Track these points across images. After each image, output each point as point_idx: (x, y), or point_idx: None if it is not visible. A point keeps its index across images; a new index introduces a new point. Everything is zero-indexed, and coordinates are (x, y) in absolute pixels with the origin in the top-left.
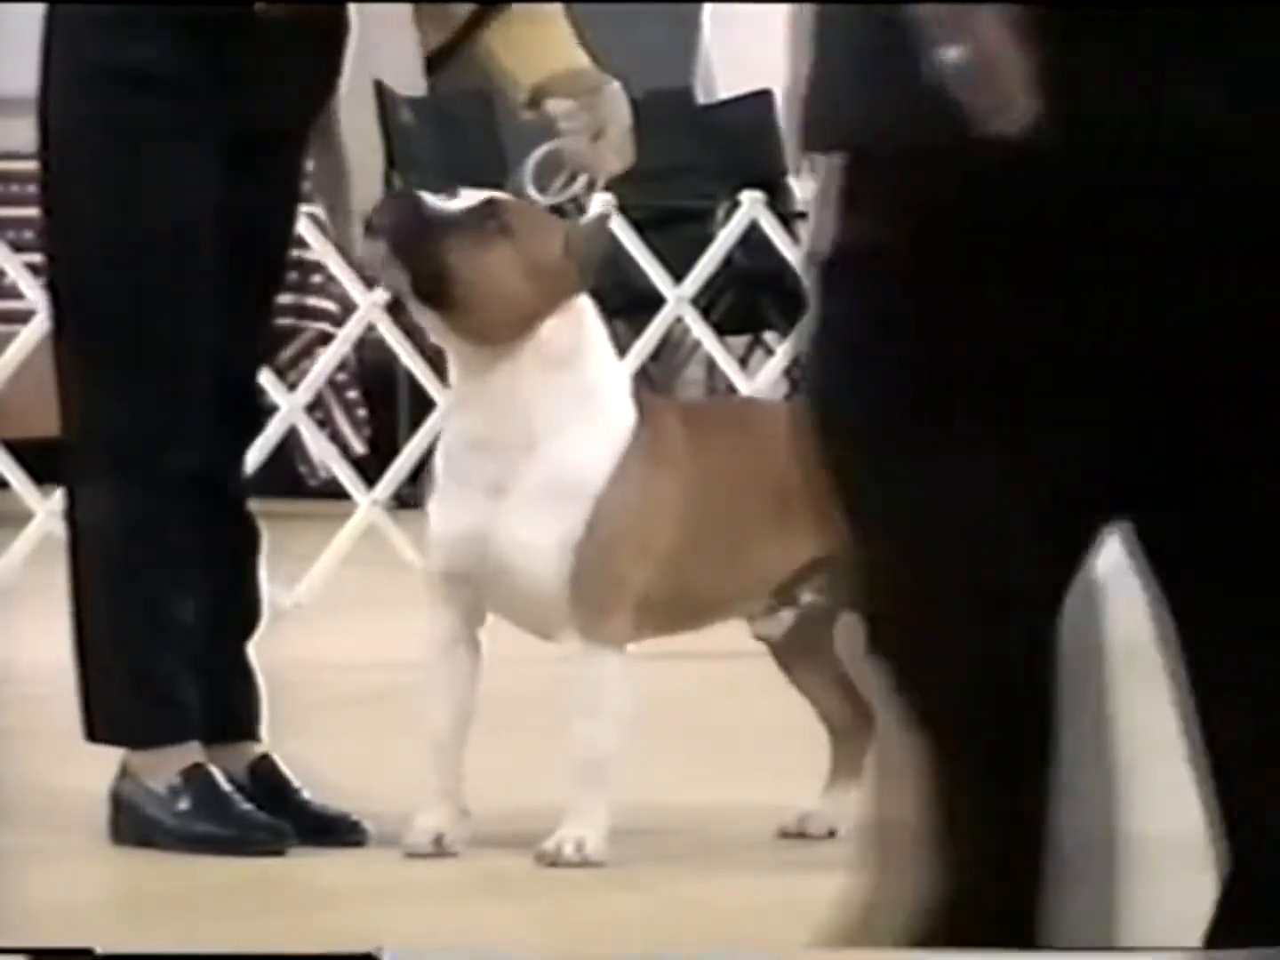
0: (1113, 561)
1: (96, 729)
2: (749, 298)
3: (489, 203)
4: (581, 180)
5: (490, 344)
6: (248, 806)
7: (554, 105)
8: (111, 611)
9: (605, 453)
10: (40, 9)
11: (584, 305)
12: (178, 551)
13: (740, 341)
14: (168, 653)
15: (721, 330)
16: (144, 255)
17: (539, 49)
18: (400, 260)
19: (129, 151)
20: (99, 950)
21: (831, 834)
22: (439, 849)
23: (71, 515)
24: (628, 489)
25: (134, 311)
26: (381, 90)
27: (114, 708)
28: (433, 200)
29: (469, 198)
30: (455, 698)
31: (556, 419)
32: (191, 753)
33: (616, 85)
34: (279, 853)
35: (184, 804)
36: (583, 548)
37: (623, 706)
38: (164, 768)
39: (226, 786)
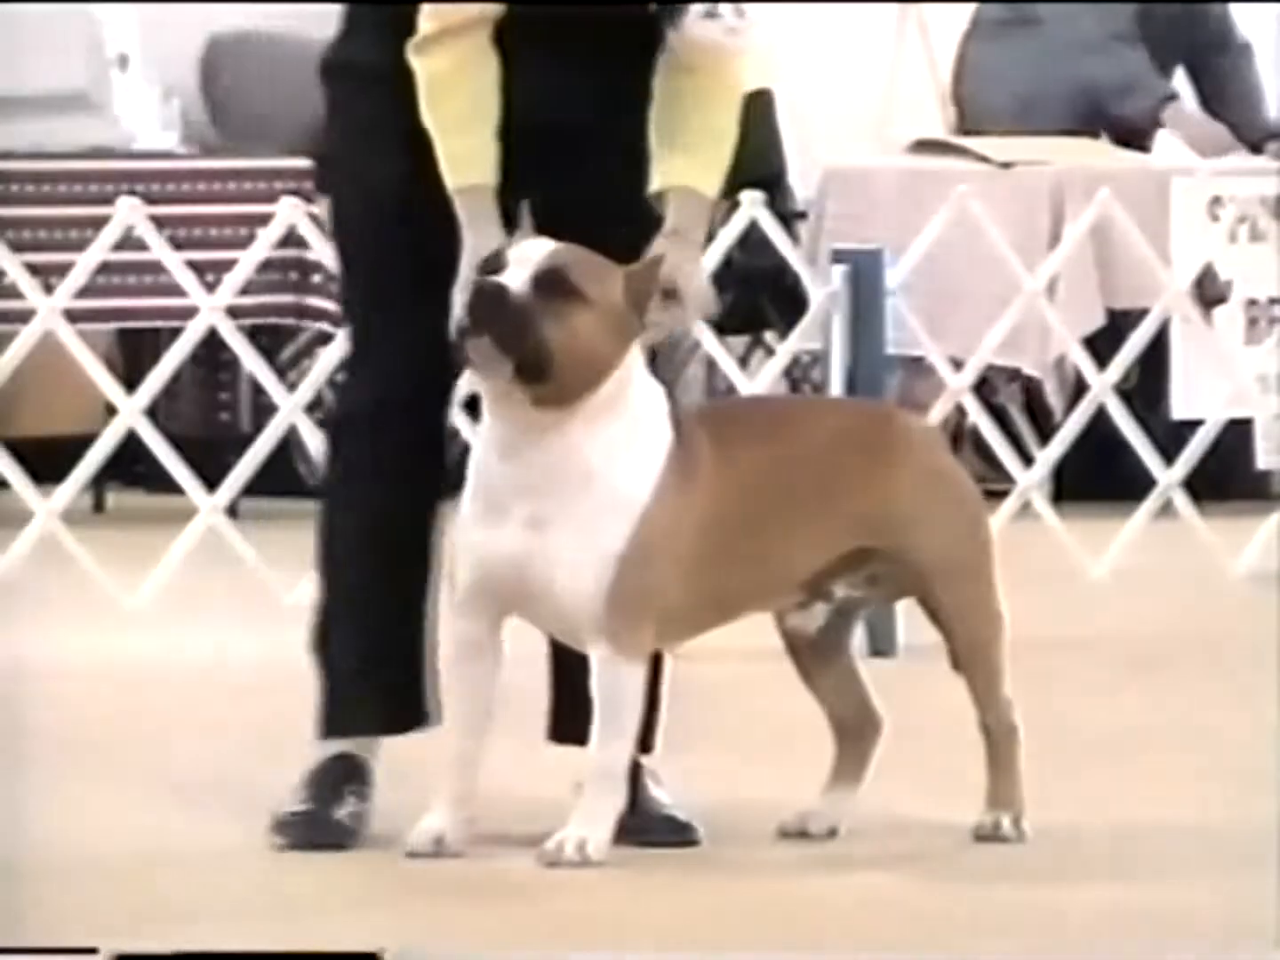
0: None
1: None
2: (749, 297)
3: (552, 267)
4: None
5: (569, 405)
6: (338, 801)
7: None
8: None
9: (648, 472)
10: (47, 10)
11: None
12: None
13: (740, 341)
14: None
15: (721, 330)
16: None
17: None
18: (505, 352)
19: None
20: (107, 950)
21: (832, 833)
22: (438, 849)
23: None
24: (666, 504)
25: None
26: None
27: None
28: (509, 282)
29: (527, 258)
30: (475, 703)
31: (606, 456)
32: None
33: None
34: (340, 847)
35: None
36: (624, 560)
37: (639, 716)
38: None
39: (325, 779)
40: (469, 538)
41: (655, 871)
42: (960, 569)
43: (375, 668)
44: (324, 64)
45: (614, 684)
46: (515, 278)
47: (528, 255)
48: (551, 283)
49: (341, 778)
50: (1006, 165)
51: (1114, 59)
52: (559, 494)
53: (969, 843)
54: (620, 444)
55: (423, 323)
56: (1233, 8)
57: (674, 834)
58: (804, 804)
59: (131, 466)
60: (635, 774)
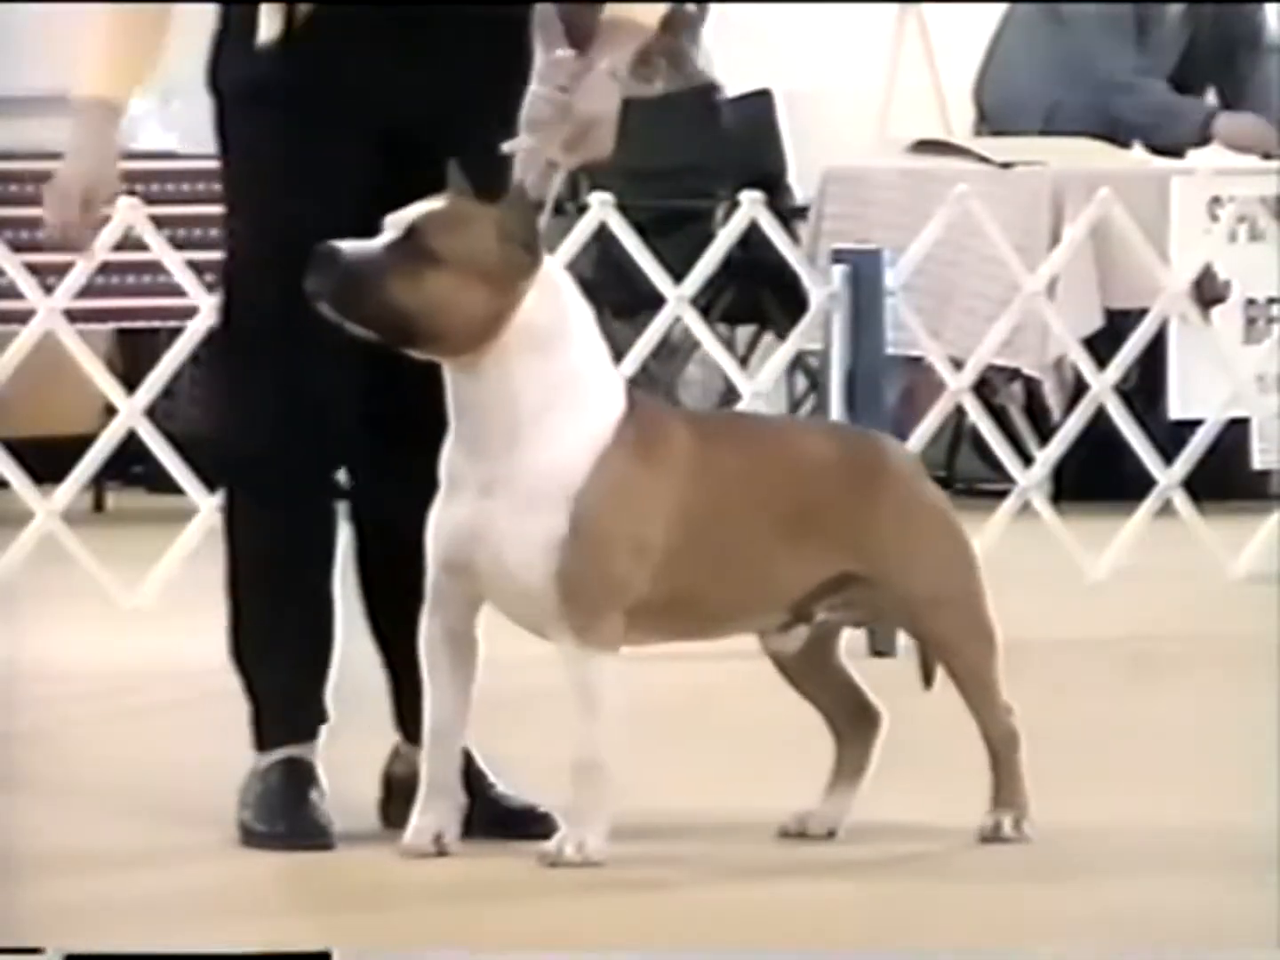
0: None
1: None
2: (750, 292)
3: (409, 232)
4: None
5: (469, 353)
6: (307, 803)
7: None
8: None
9: (588, 445)
10: (41, 9)
11: (559, 280)
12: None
13: (741, 341)
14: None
15: (725, 319)
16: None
17: None
18: (342, 314)
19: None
20: (69, 950)
21: (831, 834)
22: (439, 847)
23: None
24: (612, 486)
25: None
26: None
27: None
28: (354, 247)
29: (395, 224)
30: (453, 691)
31: (542, 406)
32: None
33: (615, 71)
34: (324, 848)
35: (250, 801)
36: (569, 546)
37: (617, 708)
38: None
39: (288, 784)
40: (434, 518)
41: (655, 871)
42: (950, 599)
43: (295, 681)
44: (211, 79)
45: (584, 679)
46: (378, 242)
47: (403, 219)
48: (404, 244)
49: (300, 780)
50: (1006, 165)
51: (1139, 97)
52: (496, 452)
53: (970, 843)
54: (555, 399)
55: (300, 377)
56: (1269, 8)
57: (535, 825)
58: (804, 804)
59: (131, 466)
60: (471, 768)
